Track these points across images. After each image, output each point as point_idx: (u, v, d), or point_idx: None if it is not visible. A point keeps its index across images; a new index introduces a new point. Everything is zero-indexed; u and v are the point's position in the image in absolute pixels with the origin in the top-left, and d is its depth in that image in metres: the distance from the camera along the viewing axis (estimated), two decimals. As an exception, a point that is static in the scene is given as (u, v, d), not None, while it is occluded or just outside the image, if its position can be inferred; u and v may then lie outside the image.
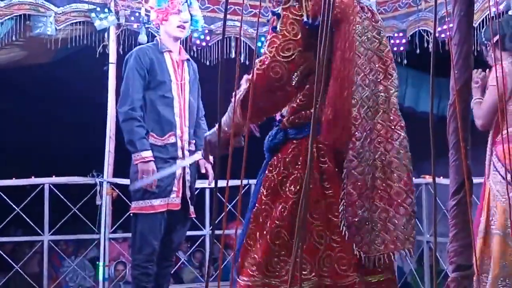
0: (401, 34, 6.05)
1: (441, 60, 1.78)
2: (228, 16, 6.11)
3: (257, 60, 2.20)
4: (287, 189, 2.22)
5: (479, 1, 4.45)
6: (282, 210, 2.20)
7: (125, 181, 5.24)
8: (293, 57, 2.17)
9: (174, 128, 4.01)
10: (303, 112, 2.26)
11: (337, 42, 2.18)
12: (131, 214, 4.06)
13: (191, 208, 4.10)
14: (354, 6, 2.26)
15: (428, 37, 5.76)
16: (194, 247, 6.71)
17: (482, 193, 3.94)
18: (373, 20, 2.39)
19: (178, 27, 4.09)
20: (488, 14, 4.99)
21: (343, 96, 2.16)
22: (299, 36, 2.18)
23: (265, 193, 2.27)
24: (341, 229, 2.18)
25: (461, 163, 1.42)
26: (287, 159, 2.25)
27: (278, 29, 2.21)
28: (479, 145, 3.99)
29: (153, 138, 3.97)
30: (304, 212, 1.99)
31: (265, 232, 2.22)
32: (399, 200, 2.27)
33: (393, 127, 2.32)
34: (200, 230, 5.83)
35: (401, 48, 6.07)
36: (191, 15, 4.15)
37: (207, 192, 5.71)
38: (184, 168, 4.02)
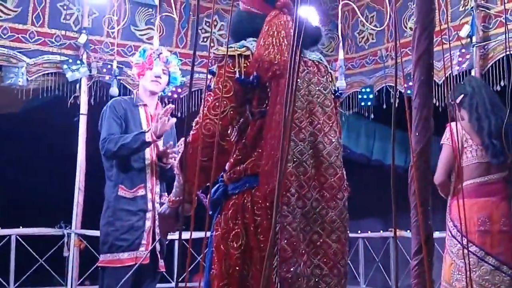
0: (368, 90, 6.19)
1: (410, 115, 1.85)
2: (199, 69, 6.20)
3: (194, 122, 2.27)
4: (229, 246, 2.23)
5: (444, 59, 4.58)
6: (228, 267, 2.21)
7: (93, 233, 5.22)
8: (224, 113, 2.22)
9: (144, 181, 4.01)
10: (238, 168, 2.29)
11: (276, 97, 2.21)
12: (99, 268, 4.02)
13: (161, 262, 4.06)
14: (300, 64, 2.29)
15: (396, 93, 5.88)
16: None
17: (445, 247, 4.05)
18: (318, 74, 2.43)
19: (152, 81, 4.14)
20: (451, 73, 5.14)
21: (279, 149, 2.19)
22: (231, 93, 2.23)
23: (215, 253, 2.27)
24: (276, 285, 2.15)
25: (421, 224, 1.48)
26: (227, 215, 2.27)
27: (212, 87, 2.27)
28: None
29: (122, 191, 3.96)
30: (270, 263, 2.01)
31: None
32: (335, 260, 2.28)
33: (340, 185, 2.34)
34: (168, 283, 5.79)
35: (369, 103, 6.20)
36: (169, 72, 4.20)
37: (176, 244, 5.68)
38: (154, 221, 4.00)
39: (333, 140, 2.36)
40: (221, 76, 2.25)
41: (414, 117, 1.73)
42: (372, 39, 6.34)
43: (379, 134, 7.07)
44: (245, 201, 2.25)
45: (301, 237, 2.24)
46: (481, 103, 4.01)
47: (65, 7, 5.82)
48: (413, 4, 1.74)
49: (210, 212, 2.36)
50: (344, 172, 2.39)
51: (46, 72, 5.69)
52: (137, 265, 3.81)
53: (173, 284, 5.81)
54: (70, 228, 5.41)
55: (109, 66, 5.82)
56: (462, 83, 4.29)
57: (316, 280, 2.25)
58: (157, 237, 3.99)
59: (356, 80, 6.43)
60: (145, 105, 4.11)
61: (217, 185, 2.37)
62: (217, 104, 2.21)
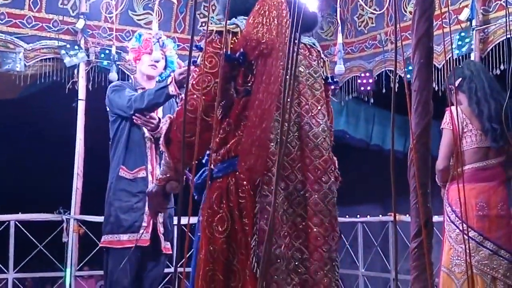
0: (367, 74, 6.17)
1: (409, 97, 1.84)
2: (197, 54, 6.16)
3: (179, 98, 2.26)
4: (214, 230, 2.21)
5: (443, 43, 4.57)
6: (213, 252, 2.19)
7: (93, 218, 5.23)
8: (208, 89, 2.21)
9: (145, 163, 4.02)
10: (222, 150, 2.28)
11: (261, 75, 2.20)
12: (103, 249, 4.04)
13: (165, 244, 4.06)
14: (282, 42, 2.26)
15: (396, 77, 5.86)
16: (162, 284, 6.65)
17: (443, 231, 4.06)
18: (309, 57, 2.43)
19: (149, 65, 4.14)
20: (451, 57, 5.12)
21: (261, 127, 2.16)
22: (216, 69, 2.22)
23: (203, 238, 2.25)
24: (252, 265, 2.15)
25: (421, 207, 1.47)
26: (212, 199, 2.25)
27: (197, 62, 2.27)
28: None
29: (123, 171, 3.98)
30: (269, 248, 2.01)
31: (199, 277, 2.20)
32: (316, 245, 2.26)
33: (326, 167, 2.32)
34: (168, 268, 5.79)
35: (368, 88, 6.18)
36: (166, 56, 4.20)
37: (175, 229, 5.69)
38: (155, 203, 4.01)
39: (321, 123, 2.35)
40: (208, 51, 2.24)
41: (413, 100, 1.72)
42: (372, 23, 6.30)
43: (378, 118, 7.05)
44: (229, 184, 2.23)
45: (284, 219, 2.22)
46: (480, 87, 4.00)
47: (62, -8, 5.79)
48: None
49: (196, 197, 2.35)
50: (332, 155, 2.38)
51: (44, 57, 5.67)
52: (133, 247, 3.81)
53: (172, 268, 5.82)
54: (69, 213, 5.41)
55: (107, 51, 5.80)
56: (460, 66, 4.27)
57: (296, 263, 2.23)
58: (159, 220, 4.00)
59: (356, 65, 6.41)
60: (143, 89, 4.11)
61: (202, 169, 2.36)
62: (201, 79, 2.21)
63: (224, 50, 2.22)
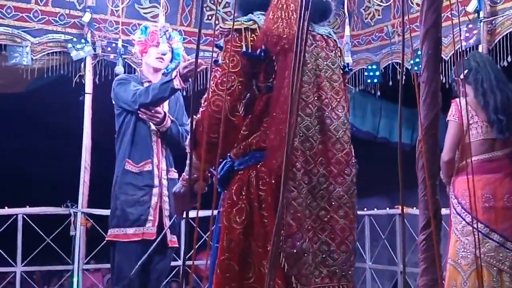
0: (374, 67, 6.14)
1: (414, 92, 1.83)
2: (204, 47, 6.16)
3: (203, 99, 2.25)
4: (232, 221, 2.23)
5: (450, 35, 4.54)
6: (229, 242, 2.21)
7: (100, 211, 5.24)
8: (232, 88, 2.21)
9: (151, 156, 4.02)
10: (244, 143, 2.29)
11: (284, 71, 2.20)
12: (109, 243, 4.04)
13: (171, 237, 4.06)
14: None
15: (403, 69, 5.85)
16: (169, 277, 6.66)
17: (449, 224, 4.05)
18: (327, 49, 2.42)
19: (156, 58, 4.14)
20: (459, 48, 5.09)
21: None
22: (238, 67, 2.22)
23: (222, 228, 2.28)
24: (280, 260, 2.17)
25: (429, 198, 1.46)
26: (232, 190, 2.27)
27: (219, 62, 2.26)
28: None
29: (129, 165, 3.98)
30: (278, 238, 2.01)
31: (216, 266, 2.23)
32: (342, 236, 2.28)
33: (348, 160, 2.33)
34: (175, 261, 5.80)
35: (375, 80, 6.16)
36: (172, 49, 4.20)
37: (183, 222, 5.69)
38: (160, 197, 4.02)
39: (341, 115, 2.35)
40: (228, 50, 2.24)
41: (422, 91, 1.71)
42: (379, 15, 6.27)
43: (385, 111, 7.03)
44: (250, 176, 2.25)
45: (307, 213, 2.23)
46: (486, 78, 3.98)
47: (69, -14, 5.78)
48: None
49: (219, 189, 2.37)
50: (352, 148, 2.38)
51: (51, 51, 5.67)
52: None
53: (180, 262, 5.83)
54: (77, 207, 5.42)
55: (113, 45, 5.79)
56: (466, 58, 4.25)
57: (324, 256, 2.25)
58: (165, 213, 4.00)
59: (362, 57, 6.38)
60: (149, 81, 4.11)
61: (224, 162, 2.36)
62: (224, 79, 2.21)
63: (244, 47, 2.21)
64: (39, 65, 5.66)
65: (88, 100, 5.67)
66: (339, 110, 2.36)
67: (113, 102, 4.10)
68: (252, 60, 2.24)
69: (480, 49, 4.97)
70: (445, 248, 3.97)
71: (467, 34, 5.10)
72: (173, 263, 5.77)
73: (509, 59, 4.82)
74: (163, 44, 4.11)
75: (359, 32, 6.47)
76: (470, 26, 5.11)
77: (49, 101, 6.50)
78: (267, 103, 2.26)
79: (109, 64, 5.81)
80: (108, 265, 4.37)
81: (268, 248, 2.17)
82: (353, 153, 2.40)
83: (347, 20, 5.73)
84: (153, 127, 4.02)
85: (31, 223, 5.38)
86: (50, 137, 7.12)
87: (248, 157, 2.27)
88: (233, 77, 2.22)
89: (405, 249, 2.03)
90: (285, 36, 2.20)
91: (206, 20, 6.33)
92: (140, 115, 3.94)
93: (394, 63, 5.93)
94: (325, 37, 2.45)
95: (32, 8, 5.61)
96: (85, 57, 5.70)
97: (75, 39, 5.68)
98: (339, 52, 2.50)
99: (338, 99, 2.37)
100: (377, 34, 6.28)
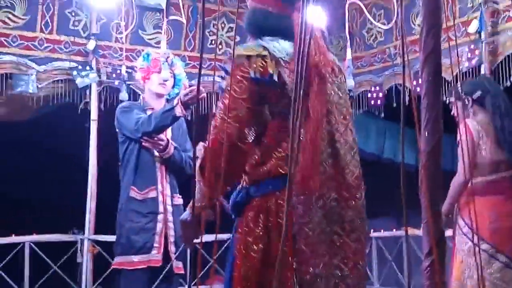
0: (377, 88, 6.17)
1: (419, 113, 1.83)
2: (208, 72, 6.20)
3: (211, 126, 2.25)
4: (249, 249, 2.23)
5: (453, 55, 4.56)
6: (247, 270, 2.21)
7: (106, 238, 5.23)
8: (240, 115, 2.21)
9: (155, 183, 4.03)
10: (260, 169, 2.28)
11: (314, 100, 2.22)
12: (116, 271, 4.05)
13: (177, 264, 4.06)
14: (322, 62, 2.30)
15: (405, 91, 5.88)
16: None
17: (453, 245, 4.04)
18: (333, 74, 2.43)
19: (159, 84, 4.16)
20: (461, 69, 5.12)
21: (318, 149, 2.20)
22: (246, 94, 2.23)
23: (237, 256, 2.28)
24: (294, 286, 2.16)
25: (432, 226, 1.47)
26: (249, 218, 2.26)
27: (227, 88, 2.27)
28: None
29: (133, 192, 4.00)
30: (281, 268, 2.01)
31: None
32: (355, 261, 2.27)
33: (358, 184, 2.33)
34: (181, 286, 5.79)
35: (378, 102, 6.18)
36: (175, 75, 4.22)
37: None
38: (165, 223, 4.02)
39: (349, 140, 2.36)
40: (236, 76, 2.24)
41: (423, 117, 1.72)
42: (381, 37, 6.31)
43: (390, 132, 7.05)
44: (269, 204, 2.24)
45: (322, 237, 2.23)
46: (503, 105, 4.02)
47: (73, 14, 5.84)
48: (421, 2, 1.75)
49: (232, 216, 2.37)
50: (361, 171, 2.39)
51: (56, 79, 5.71)
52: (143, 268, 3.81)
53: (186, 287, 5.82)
54: (83, 234, 5.43)
55: (118, 71, 5.84)
56: (476, 79, 4.27)
57: (336, 281, 2.24)
58: (170, 240, 4.00)
59: (366, 79, 6.41)
60: (152, 108, 4.14)
61: (238, 188, 2.37)
62: (232, 106, 2.21)
63: (252, 73, 2.22)
64: (45, 93, 5.69)
65: (93, 127, 5.70)
66: (348, 135, 2.37)
67: (117, 130, 4.12)
68: (261, 86, 2.24)
69: (482, 70, 5.00)
70: (449, 272, 3.96)
71: (469, 55, 5.12)
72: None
73: (511, 79, 4.84)
74: (165, 70, 4.14)
75: (362, 54, 6.50)
76: (472, 46, 5.13)
77: (55, 128, 6.53)
78: (280, 127, 2.27)
79: (114, 91, 5.85)
80: (115, 291, 4.36)
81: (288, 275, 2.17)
82: (361, 177, 2.40)
83: (348, 43, 5.76)
84: (156, 154, 4.03)
85: (38, 250, 5.39)
86: (56, 164, 7.14)
87: (265, 184, 2.27)
88: (241, 104, 2.22)
89: (413, 270, 2.02)
90: (320, 64, 2.24)
91: (209, 45, 6.37)
92: (143, 143, 3.96)
93: (397, 85, 5.95)
94: (331, 63, 2.47)
95: (37, 36, 5.66)
96: (90, 84, 5.74)
97: (80, 67, 5.72)
98: (343, 77, 2.52)
99: (346, 124, 2.38)
100: (379, 56, 6.31)
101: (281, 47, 2.30)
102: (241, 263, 2.22)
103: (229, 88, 2.24)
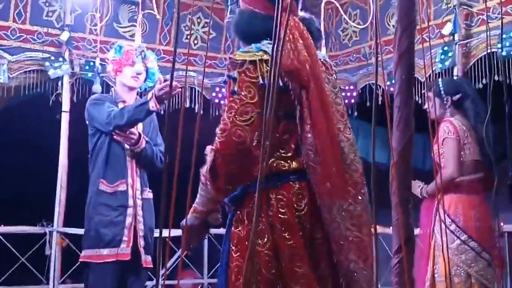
0: (351, 87, 6.20)
1: (391, 112, 1.85)
2: (182, 66, 6.18)
3: (217, 129, 2.24)
4: (255, 243, 2.20)
5: (427, 57, 4.60)
6: (255, 265, 2.18)
7: (76, 231, 5.19)
8: (252, 119, 2.20)
9: (125, 176, 4.01)
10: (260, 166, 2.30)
11: (316, 101, 2.24)
12: (84, 265, 4.01)
13: (146, 258, 4.04)
14: (318, 62, 2.32)
15: (378, 90, 5.91)
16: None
17: (427, 241, 4.07)
18: (327, 73, 2.43)
19: (131, 77, 4.13)
20: (435, 70, 5.17)
21: (333, 152, 2.26)
22: (256, 99, 2.22)
23: (234, 249, 2.26)
24: (341, 281, 2.23)
25: (402, 223, 1.48)
26: (250, 213, 2.26)
27: (235, 93, 2.25)
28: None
29: (103, 185, 3.96)
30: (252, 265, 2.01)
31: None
32: (367, 253, 2.29)
33: (362, 180, 2.35)
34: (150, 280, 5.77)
35: (352, 101, 6.21)
36: (147, 68, 4.20)
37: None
38: (135, 217, 3.99)
39: (350, 137, 2.38)
40: (244, 81, 2.24)
41: (395, 116, 1.73)
42: (356, 36, 6.35)
43: (363, 131, 7.07)
44: (270, 198, 2.25)
45: (346, 233, 2.26)
46: (483, 111, 4.06)
47: (47, 4, 5.78)
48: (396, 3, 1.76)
49: (227, 209, 2.37)
50: (362, 166, 2.41)
51: (28, 69, 5.65)
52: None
53: (153, 282, 5.79)
54: (52, 226, 5.38)
55: (91, 63, 5.79)
56: (457, 80, 4.31)
57: (355, 274, 2.26)
58: (139, 234, 3.98)
59: (340, 78, 6.43)
60: (124, 101, 4.11)
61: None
62: (244, 110, 2.19)
63: (261, 79, 2.22)
64: (16, 83, 5.63)
65: (65, 118, 5.65)
66: (347, 133, 2.39)
67: (87, 123, 4.09)
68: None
69: (455, 71, 5.05)
70: (418, 270, 3.99)
71: (442, 57, 5.17)
72: (148, 283, 5.77)
73: (483, 81, 4.89)
74: (138, 63, 4.11)
75: (337, 53, 6.53)
76: (446, 48, 5.18)
77: (26, 119, 6.47)
78: (285, 129, 2.29)
79: (86, 83, 5.80)
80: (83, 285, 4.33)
81: (297, 269, 2.20)
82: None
83: (324, 42, 5.78)
84: (127, 147, 4.01)
85: (6, 242, 5.33)
86: (26, 155, 7.06)
87: (266, 179, 2.28)
88: (251, 108, 2.20)
89: (381, 269, 2.04)
90: (301, 67, 2.23)
91: (184, 39, 6.35)
92: (114, 136, 3.93)
93: (371, 84, 5.99)
94: (324, 62, 2.47)
95: (10, 26, 5.59)
96: (63, 76, 5.69)
97: (53, 58, 5.67)
98: (335, 75, 2.54)
99: (344, 122, 2.40)
100: (354, 55, 6.34)
101: None
102: (245, 257, 2.20)
103: (239, 93, 2.23)
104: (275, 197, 2.24)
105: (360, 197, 2.32)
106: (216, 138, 2.20)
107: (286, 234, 2.22)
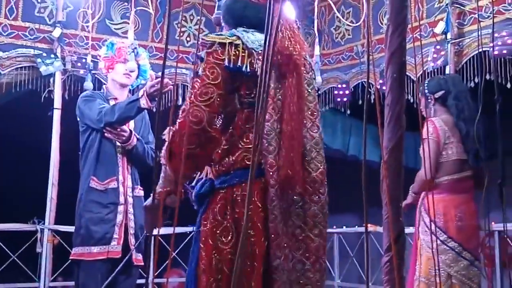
0: (344, 86, 6.20)
1: (383, 111, 1.85)
2: (174, 64, 6.16)
3: (181, 110, 2.25)
4: (218, 241, 2.22)
5: (418, 56, 4.61)
6: (218, 262, 2.20)
7: (67, 228, 5.17)
8: (211, 100, 2.20)
9: (116, 174, 3.99)
10: (226, 159, 2.28)
11: (294, 88, 2.26)
12: (74, 262, 3.99)
13: (137, 256, 4.02)
14: (302, 57, 2.34)
15: (370, 89, 5.92)
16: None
17: (414, 242, 4.08)
18: (305, 69, 2.44)
19: (123, 74, 4.12)
20: (427, 68, 5.17)
21: (298, 140, 2.25)
22: (218, 80, 2.22)
23: (203, 248, 2.26)
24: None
25: (392, 221, 1.48)
26: (215, 210, 2.26)
27: (199, 73, 2.26)
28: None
29: (94, 182, 3.95)
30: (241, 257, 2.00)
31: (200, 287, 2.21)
32: (317, 255, 2.28)
33: (322, 179, 2.33)
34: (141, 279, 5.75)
35: (345, 99, 6.21)
36: (139, 65, 4.19)
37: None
38: (126, 215, 3.98)
39: (315, 136, 2.37)
40: (209, 62, 2.24)
41: (386, 114, 1.73)
42: (349, 35, 6.35)
43: (355, 129, 7.08)
44: (235, 195, 2.24)
45: (285, 230, 2.24)
46: (467, 108, 4.06)
47: (39, 0, 5.76)
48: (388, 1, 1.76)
49: (195, 207, 2.36)
50: (325, 167, 2.40)
51: (20, 66, 5.62)
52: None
53: (143, 280, 5.78)
54: (43, 223, 5.36)
55: (83, 60, 5.77)
56: (442, 78, 4.32)
57: (298, 274, 2.25)
58: (130, 231, 3.97)
59: (333, 76, 6.44)
60: (115, 98, 4.10)
61: (203, 179, 2.36)
62: (204, 91, 2.20)
63: (227, 61, 2.23)
64: (8, 80, 5.60)
65: (56, 115, 5.63)
66: (314, 131, 2.37)
67: (78, 119, 4.07)
68: (234, 75, 2.24)
69: (447, 70, 5.06)
70: (408, 268, 4.01)
71: (434, 55, 5.17)
72: (138, 281, 5.75)
73: (476, 80, 4.90)
74: (131, 61, 4.10)
75: (329, 51, 6.53)
76: (438, 47, 5.19)
77: (17, 115, 6.43)
78: (248, 118, 2.27)
79: (78, 80, 5.79)
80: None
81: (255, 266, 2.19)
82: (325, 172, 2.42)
83: (317, 40, 5.78)
84: (118, 144, 3.99)
85: (-3, 239, 5.31)
86: (18, 152, 7.04)
87: (231, 175, 2.26)
88: (212, 89, 2.21)
89: (375, 267, 2.03)
90: (296, 53, 2.27)
91: (176, 36, 6.33)
92: (105, 133, 3.92)
93: (363, 82, 5.99)
94: (304, 58, 2.47)
95: (1, 22, 5.58)
96: (55, 72, 5.66)
97: (44, 54, 5.64)
98: (313, 74, 2.53)
99: (313, 120, 2.39)
100: (347, 53, 6.35)
101: (255, 38, 2.31)
102: (211, 255, 2.22)
103: (202, 73, 2.23)
104: (241, 194, 2.24)
105: (317, 197, 2.30)
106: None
107: (250, 231, 2.21)
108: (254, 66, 2.26)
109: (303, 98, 2.29)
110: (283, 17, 2.32)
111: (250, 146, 2.25)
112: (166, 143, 2.24)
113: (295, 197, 2.26)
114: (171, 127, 2.22)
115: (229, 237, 2.22)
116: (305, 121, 2.34)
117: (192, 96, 2.22)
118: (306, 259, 2.27)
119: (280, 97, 2.26)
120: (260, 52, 2.23)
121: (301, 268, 2.26)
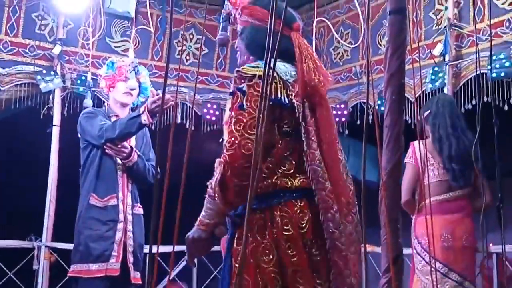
0: (342, 106, 6.22)
1: (381, 131, 1.86)
2: (174, 82, 6.18)
3: (225, 142, 2.26)
4: (260, 260, 2.24)
5: (417, 77, 4.64)
6: (264, 281, 2.22)
7: (64, 245, 5.16)
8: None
9: (116, 191, 3.99)
10: (265, 182, 2.30)
11: (326, 120, 2.32)
12: (72, 279, 3.98)
13: (135, 274, 4.01)
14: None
15: (369, 109, 5.93)
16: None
17: (412, 263, 4.09)
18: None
19: (124, 93, 4.14)
20: (425, 90, 5.20)
21: (337, 168, 2.32)
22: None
23: (246, 271, 2.25)
24: None
25: (390, 242, 1.48)
26: (254, 230, 2.27)
27: (244, 106, 2.26)
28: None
29: (93, 199, 3.95)
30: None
31: None
32: (354, 271, 2.31)
33: (354, 200, 2.37)
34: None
35: (343, 119, 6.23)
36: (140, 83, 4.20)
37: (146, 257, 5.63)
38: (125, 232, 3.98)
39: (341, 159, 2.42)
40: (252, 95, 2.26)
41: (385, 135, 1.74)
42: (347, 55, 6.38)
43: (353, 150, 7.08)
44: (274, 215, 2.28)
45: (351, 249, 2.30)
46: (442, 125, 4.08)
47: (39, 18, 5.79)
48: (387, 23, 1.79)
49: (228, 227, 2.39)
50: (354, 187, 2.43)
51: (19, 82, 5.63)
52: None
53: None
54: (41, 240, 5.34)
55: (83, 78, 5.79)
56: (432, 98, 4.36)
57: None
58: (129, 249, 3.96)
59: (331, 96, 6.45)
60: (117, 115, 4.11)
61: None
62: (253, 124, 2.21)
63: (270, 94, 2.25)
64: (7, 96, 5.61)
65: (55, 132, 5.64)
66: (340, 154, 2.43)
67: (79, 136, 4.08)
68: (273, 106, 2.27)
69: (445, 91, 5.07)
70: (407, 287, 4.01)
71: (433, 77, 5.20)
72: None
73: (473, 102, 4.92)
74: (132, 79, 4.12)
75: (328, 71, 6.52)
76: (436, 69, 5.21)
77: (16, 132, 6.43)
78: (286, 147, 2.32)
79: (78, 97, 5.80)
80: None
81: (299, 286, 2.22)
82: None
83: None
84: (119, 161, 4.00)
85: (-7, 256, 5.29)
86: (16, 169, 7.02)
87: (269, 197, 2.29)
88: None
89: (373, 287, 2.04)
90: (322, 85, 2.31)
91: (176, 55, 6.36)
92: (106, 150, 3.92)
93: (362, 103, 6.01)
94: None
95: (2, 39, 5.60)
96: (54, 89, 5.68)
97: (44, 71, 5.66)
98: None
99: (338, 143, 2.44)
100: (345, 73, 6.37)
101: (286, 69, 2.35)
102: (255, 275, 2.23)
103: (248, 106, 2.25)
104: (280, 214, 2.27)
105: (350, 217, 2.34)
106: (224, 151, 2.23)
107: (290, 251, 2.25)
108: (290, 97, 2.30)
109: (333, 127, 2.38)
110: (306, 48, 2.35)
111: (288, 172, 2.31)
112: (218, 177, 2.23)
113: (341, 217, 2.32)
114: (220, 160, 2.24)
115: (270, 257, 2.24)
116: (338, 145, 2.41)
117: (241, 129, 2.23)
118: (352, 276, 2.30)
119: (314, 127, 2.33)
120: (292, 83, 2.31)
121: (350, 283, 2.30)
